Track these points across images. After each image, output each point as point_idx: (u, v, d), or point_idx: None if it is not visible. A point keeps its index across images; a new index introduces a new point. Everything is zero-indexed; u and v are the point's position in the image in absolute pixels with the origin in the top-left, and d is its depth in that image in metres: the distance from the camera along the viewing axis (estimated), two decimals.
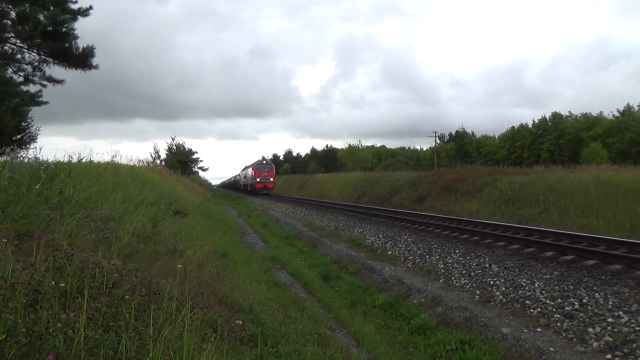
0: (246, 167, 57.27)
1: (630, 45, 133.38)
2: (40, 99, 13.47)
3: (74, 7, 12.07)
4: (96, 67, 12.58)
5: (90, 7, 12.33)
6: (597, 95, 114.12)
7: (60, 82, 12.91)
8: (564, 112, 68.06)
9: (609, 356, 5.09)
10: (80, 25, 12.30)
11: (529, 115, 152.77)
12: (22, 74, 12.56)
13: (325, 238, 15.15)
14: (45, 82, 12.78)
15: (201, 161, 53.60)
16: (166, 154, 47.04)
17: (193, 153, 51.35)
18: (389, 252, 11.64)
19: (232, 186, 75.82)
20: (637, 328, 5.43)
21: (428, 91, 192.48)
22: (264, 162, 48.24)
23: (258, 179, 46.82)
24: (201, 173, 56.18)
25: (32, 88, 13.13)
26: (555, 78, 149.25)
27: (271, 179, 47.74)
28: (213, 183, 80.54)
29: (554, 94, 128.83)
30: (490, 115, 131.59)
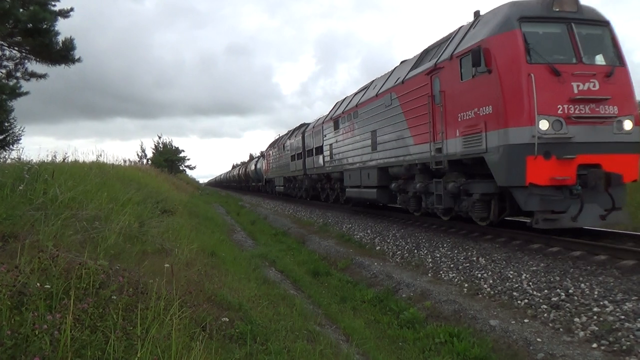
0: (347, 101, 18.26)
1: None
2: (21, 90, 13.44)
3: (55, 9, 12.07)
4: (79, 60, 12.60)
5: (72, 9, 12.31)
6: None
7: (43, 76, 12.91)
8: None
9: (594, 345, 5.17)
10: (58, 26, 12.29)
11: None
12: (3, 70, 12.48)
13: (314, 234, 15.16)
14: (28, 77, 12.73)
15: (188, 159, 52.99)
16: (153, 153, 46.55)
17: (180, 151, 50.85)
18: (378, 247, 11.69)
19: (235, 183, 59.90)
20: (622, 317, 5.52)
21: None
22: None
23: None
24: (188, 172, 55.81)
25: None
26: None
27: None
28: (200, 181, 79.95)
29: None
30: None
